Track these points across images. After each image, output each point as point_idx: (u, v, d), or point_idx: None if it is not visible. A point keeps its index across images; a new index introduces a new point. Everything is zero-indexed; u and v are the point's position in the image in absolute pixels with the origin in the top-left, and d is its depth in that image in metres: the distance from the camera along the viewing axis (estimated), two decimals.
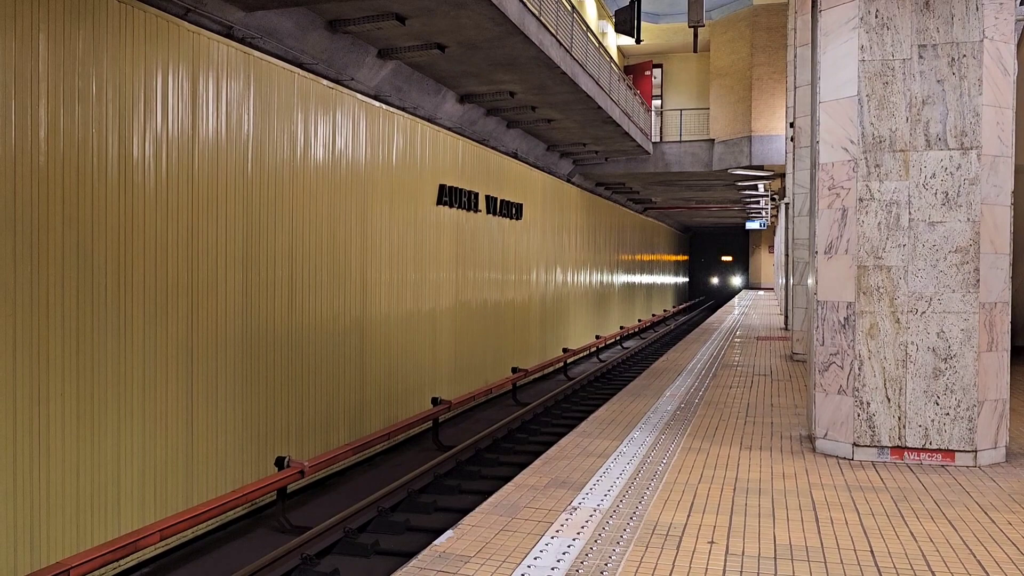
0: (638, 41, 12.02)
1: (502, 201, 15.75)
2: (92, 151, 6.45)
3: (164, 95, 7.16)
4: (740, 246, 50.38)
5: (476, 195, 14.35)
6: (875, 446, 5.57)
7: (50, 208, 6.10)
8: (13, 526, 5.82)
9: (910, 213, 5.49)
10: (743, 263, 51.79)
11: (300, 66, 9.14)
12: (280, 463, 8.06)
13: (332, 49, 9.56)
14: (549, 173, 19.30)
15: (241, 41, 8.18)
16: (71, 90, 6.26)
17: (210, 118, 7.72)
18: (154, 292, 7.08)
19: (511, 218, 16.32)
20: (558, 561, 3.67)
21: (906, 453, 5.51)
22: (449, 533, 4.08)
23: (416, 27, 9.53)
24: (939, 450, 5.46)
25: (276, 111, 8.68)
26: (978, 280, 5.38)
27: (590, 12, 23.04)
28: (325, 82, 9.58)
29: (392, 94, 11.26)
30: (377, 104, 10.81)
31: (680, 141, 23.55)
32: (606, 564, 3.63)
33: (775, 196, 26.66)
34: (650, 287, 36.32)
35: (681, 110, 26.23)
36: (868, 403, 5.57)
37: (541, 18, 11.07)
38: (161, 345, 7.17)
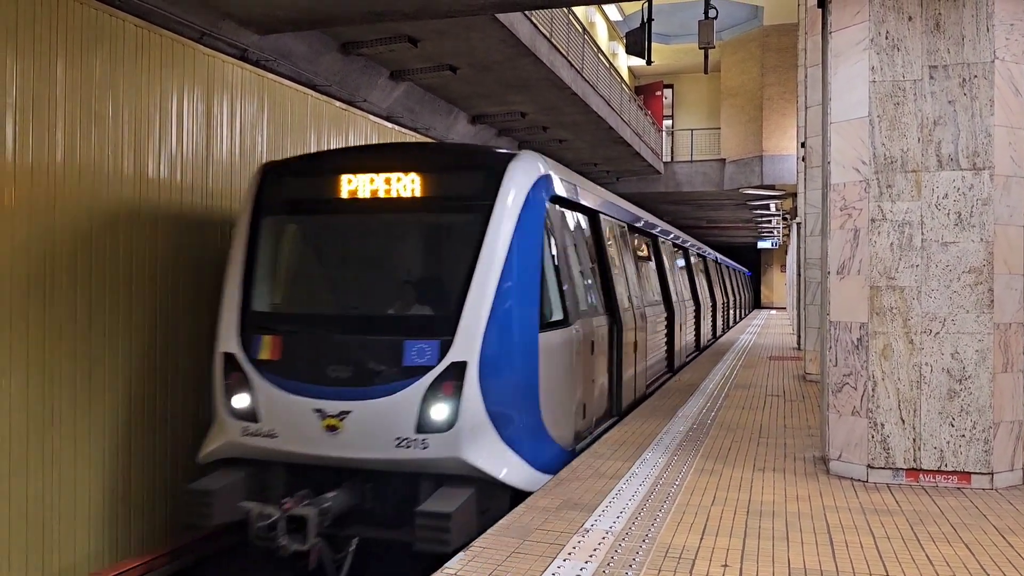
0: (649, 62, 12.03)
1: None
2: (108, 173, 6.51)
3: (179, 117, 7.24)
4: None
5: None
6: (890, 468, 5.51)
7: (65, 231, 6.15)
8: (25, 548, 5.83)
9: (923, 233, 5.46)
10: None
11: (313, 88, 9.23)
12: None
13: (345, 71, 9.66)
14: None
15: (255, 64, 8.28)
16: (88, 113, 6.33)
17: (224, 139, 7.80)
18: (167, 314, 7.11)
19: None
20: None
21: (921, 475, 5.45)
22: (460, 556, 4.06)
23: (428, 49, 9.62)
24: (955, 472, 5.40)
25: (290, 132, 8.76)
26: (992, 300, 5.34)
27: (601, 33, 23.19)
28: (338, 103, 9.66)
29: (404, 115, 11.35)
30: (389, 125, 10.89)
31: (691, 161, 23.60)
32: None
33: (787, 215, 26.60)
34: None
35: (692, 130, 26.30)
36: (882, 424, 5.51)
37: (552, 40, 11.16)
38: (172, 366, 7.19)
